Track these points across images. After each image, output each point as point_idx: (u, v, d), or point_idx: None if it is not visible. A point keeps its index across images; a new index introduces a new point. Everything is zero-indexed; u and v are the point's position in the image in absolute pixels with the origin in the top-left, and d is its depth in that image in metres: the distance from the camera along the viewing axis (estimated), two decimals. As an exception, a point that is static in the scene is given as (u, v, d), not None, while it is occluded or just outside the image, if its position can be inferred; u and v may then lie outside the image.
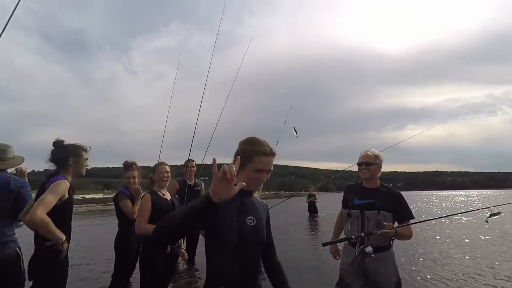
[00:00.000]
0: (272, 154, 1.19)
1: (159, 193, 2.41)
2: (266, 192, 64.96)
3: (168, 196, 2.49)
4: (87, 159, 2.01)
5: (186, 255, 2.70)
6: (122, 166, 3.04)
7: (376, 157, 2.13)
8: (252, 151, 1.16)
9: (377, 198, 2.06)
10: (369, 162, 2.11)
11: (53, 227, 1.63)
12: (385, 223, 1.93)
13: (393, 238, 2.01)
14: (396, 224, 2.05)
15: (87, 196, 31.09)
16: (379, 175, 2.16)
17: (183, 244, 2.70)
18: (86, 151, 1.98)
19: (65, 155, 1.86)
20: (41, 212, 1.57)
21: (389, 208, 2.04)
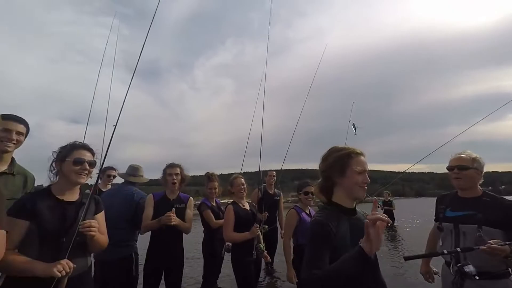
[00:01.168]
0: (363, 153, 1.13)
1: (239, 204, 2.63)
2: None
3: (247, 206, 2.70)
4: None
5: (269, 257, 2.91)
6: (204, 175, 3.33)
7: (474, 160, 1.71)
8: (345, 155, 1.10)
9: (478, 210, 1.64)
10: (464, 166, 1.70)
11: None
12: (490, 241, 1.46)
13: (509, 258, 1.46)
14: None
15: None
16: (480, 182, 1.74)
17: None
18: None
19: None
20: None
21: (496, 223, 1.57)
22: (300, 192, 2.63)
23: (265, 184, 3.95)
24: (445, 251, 1.56)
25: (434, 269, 1.98)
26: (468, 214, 1.67)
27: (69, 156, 1.41)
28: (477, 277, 1.41)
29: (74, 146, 1.45)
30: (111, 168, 3.49)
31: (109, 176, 3.50)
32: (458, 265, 1.50)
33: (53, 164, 1.45)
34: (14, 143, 1.60)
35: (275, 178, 4.10)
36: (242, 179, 2.68)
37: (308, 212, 2.63)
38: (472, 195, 1.71)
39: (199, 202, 3.37)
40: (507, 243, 1.44)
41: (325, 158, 1.16)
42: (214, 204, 3.25)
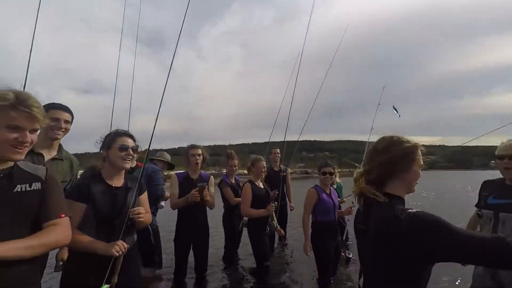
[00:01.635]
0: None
1: (256, 183, 2.87)
2: (339, 169, 65.58)
3: (262, 185, 2.94)
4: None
5: (283, 232, 3.16)
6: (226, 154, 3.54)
7: None
8: (413, 148, 1.02)
9: None
10: None
11: None
12: None
13: None
14: None
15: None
16: None
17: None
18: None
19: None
20: None
21: None
22: (320, 172, 2.70)
23: (269, 164, 4.09)
24: None
25: None
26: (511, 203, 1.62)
27: (114, 143, 1.50)
28: None
29: (117, 134, 1.53)
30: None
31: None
32: None
33: (101, 151, 1.55)
34: (63, 131, 1.70)
35: (279, 155, 4.25)
36: (264, 163, 2.90)
37: (328, 192, 2.69)
38: None
39: (209, 173, 3.57)
40: None
41: (385, 150, 1.05)
42: (234, 181, 3.42)
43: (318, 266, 2.64)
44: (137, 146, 1.58)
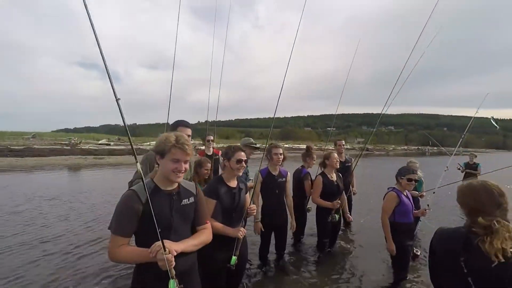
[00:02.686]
0: None
1: (328, 175, 3.27)
2: (406, 147, 63.79)
3: (334, 177, 3.31)
4: None
5: (351, 218, 3.81)
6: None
7: None
8: (495, 194, 1.18)
9: None
10: None
11: None
12: None
13: None
14: None
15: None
16: None
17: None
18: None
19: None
20: None
21: None
22: (403, 178, 2.64)
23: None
24: None
25: None
26: None
27: (233, 157, 2.06)
28: None
29: (236, 149, 2.10)
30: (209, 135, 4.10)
31: (208, 141, 4.10)
32: None
33: (223, 161, 2.14)
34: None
35: (344, 146, 4.46)
36: (336, 156, 3.32)
37: (405, 194, 2.68)
38: None
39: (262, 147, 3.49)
40: None
41: (474, 196, 1.19)
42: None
43: (395, 265, 2.76)
44: (247, 159, 2.15)
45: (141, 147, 21.03)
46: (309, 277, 3.08)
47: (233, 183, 2.10)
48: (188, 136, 2.18)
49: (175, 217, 1.41)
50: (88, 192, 7.51)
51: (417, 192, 3.84)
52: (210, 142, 4.10)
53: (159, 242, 1.23)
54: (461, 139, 4.68)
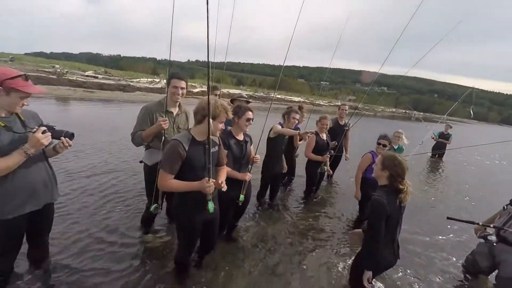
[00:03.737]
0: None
1: (320, 135, 3.79)
2: (394, 109, 60.41)
3: (325, 137, 3.84)
4: None
5: (331, 171, 4.25)
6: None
7: None
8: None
9: None
10: None
11: None
12: None
13: None
14: None
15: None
16: None
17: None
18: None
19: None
20: None
21: None
22: (378, 142, 3.32)
23: (336, 117, 4.75)
24: (480, 223, 2.20)
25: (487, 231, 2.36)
26: None
27: (243, 116, 2.37)
28: (494, 244, 2.16)
29: (246, 109, 2.41)
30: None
31: (216, 95, 4.22)
32: (484, 234, 2.27)
33: (233, 118, 2.30)
34: (181, 96, 2.34)
35: (346, 111, 4.75)
36: (327, 121, 3.83)
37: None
38: None
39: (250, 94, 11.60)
40: None
41: (400, 166, 1.89)
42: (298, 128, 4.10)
43: (360, 208, 3.63)
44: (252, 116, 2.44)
45: (131, 83, 20.36)
46: (296, 213, 3.89)
47: (241, 137, 2.48)
48: (182, 88, 2.33)
49: (207, 160, 1.81)
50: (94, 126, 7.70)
51: None
52: (219, 96, 4.22)
53: (206, 179, 1.75)
54: (451, 108, 5.18)
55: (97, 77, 19.77)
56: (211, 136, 1.79)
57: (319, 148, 3.79)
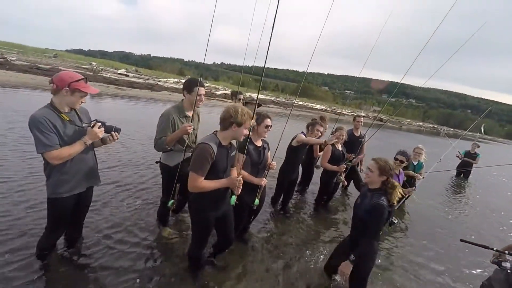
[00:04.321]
0: None
1: (336, 145, 3.84)
2: (421, 124, 58.77)
3: (340, 148, 3.90)
4: None
5: (345, 182, 4.41)
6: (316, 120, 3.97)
7: None
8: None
9: None
10: None
11: None
12: None
13: None
14: None
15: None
16: None
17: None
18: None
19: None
20: None
21: None
22: (395, 157, 3.32)
23: (352, 128, 4.72)
24: (494, 248, 2.06)
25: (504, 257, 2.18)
26: None
27: (262, 123, 2.49)
28: (509, 271, 1.98)
29: (265, 116, 2.50)
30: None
31: (239, 99, 4.02)
32: (498, 259, 2.11)
33: (254, 127, 2.44)
34: (203, 102, 2.54)
35: (362, 123, 4.69)
36: (344, 132, 3.94)
37: (397, 173, 3.27)
38: None
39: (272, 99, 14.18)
40: None
41: (390, 167, 2.13)
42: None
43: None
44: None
45: (159, 83, 21.39)
46: (306, 219, 3.97)
47: (259, 143, 2.56)
48: (204, 95, 2.50)
49: (228, 163, 1.98)
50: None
51: (413, 173, 4.40)
52: (240, 101, 4.18)
53: (235, 177, 1.96)
54: (472, 124, 5.46)
55: (128, 75, 21.02)
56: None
57: (335, 158, 3.84)
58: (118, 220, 3.02)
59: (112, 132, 1.97)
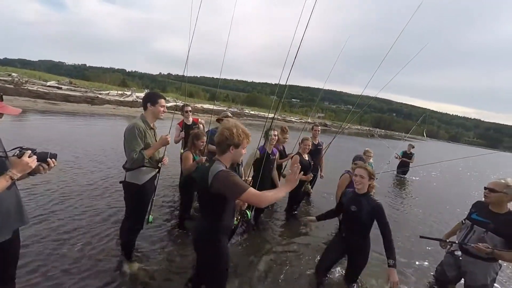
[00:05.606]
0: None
1: (303, 155, 3.97)
2: (359, 127, 65.24)
3: (307, 157, 4.05)
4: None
5: (311, 191, 4.62)
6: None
7: (508, 186, 2.21)
8: None
9: (495, 222, 2.24)
10: (493, 189, 2.26)
11: None
12: (480, 243, 2.20)
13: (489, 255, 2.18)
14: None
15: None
16: (509, 203, 2.27)
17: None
18: None
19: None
20: None
21: (503, 234, 2.20)
22: (355, 163, 3.46)
23: (310, 137, 4.63)
24: (447, 240, 2.59)
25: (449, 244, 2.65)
26: (485, 222, 2.31)
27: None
28: (460, 258, 2.47)
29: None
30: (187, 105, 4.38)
31: (187, 111, 4.32)
32: (452, 249, 2.60)
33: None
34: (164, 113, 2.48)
35: (319, 132, 4.96)
36: (310, 142, 4.09)
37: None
38: (498, 211, 2.29)
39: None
40: (490, 248, 2.14)
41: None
42: (282, 148, 4.53)
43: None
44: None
45: (99, 95, 19.34)
46: (281, 227, 4.10)
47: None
48: (165, 106, 2.47)
49: None
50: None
51: None
52: (189, 112, 4.32)
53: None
54: (412, 129, 6.53)
55: (60, 88, 18.51)
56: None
57: (303, 167, 3.96)
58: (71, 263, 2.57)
59: (48, 159, 1.59)
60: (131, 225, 2.55)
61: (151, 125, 2.48)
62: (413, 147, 9.52)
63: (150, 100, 2.42)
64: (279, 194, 1.65)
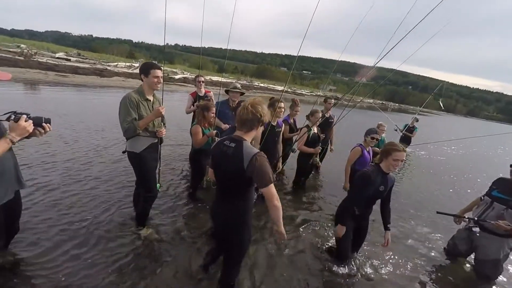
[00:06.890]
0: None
1: (313, 129, 3.87)
2: (372, 100, 62.07)
3: (316, 130, 4.00)
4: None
5: (319, 164, 4.92)
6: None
7: None
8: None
9: None
10: None
11: None
12: (500, 221, 2.21)
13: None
14: None
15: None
16: None
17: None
18: None
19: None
20: None
21: None
22: (368, 136, 3.44)
23: (322, 109, 4.66)
24: (466, 216, 2.57)
25: (465, 219, 2.66)
26: (506, 199, 2.28)
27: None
28: (478, 234, 2.44)
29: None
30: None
31: (199, 82, 4.29)
32: (470, 225, 2.56)
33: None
34: (159, 83, 2.42)
35: (332, 105, 4.85)
36: (320, 114, 3.97)
37: (368, 150, 3.50)
38: None
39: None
40: (510, 225, 2.16)
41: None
42: (293, 121, 4.53)
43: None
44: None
45: (108, 67, 19.23)
46: (286, 200, 4.11)
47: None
48: (161, 77, 2.40)
49: None
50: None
51: (378, 149, 4.71)
52: (201, 83, 4.26)
53: None
54: (426, 101, 6.92)
55: (69, 60, 18.44)
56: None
57: (311, 140, 3.93)
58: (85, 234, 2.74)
59: (44, 124, 1.64)
60: (142, 193, 2.69)
61: (149, 97, 2.46)
62: (417, 120, 8.91)
63: (143, 71, 2.40)
64: (279, 219, 1.65)
